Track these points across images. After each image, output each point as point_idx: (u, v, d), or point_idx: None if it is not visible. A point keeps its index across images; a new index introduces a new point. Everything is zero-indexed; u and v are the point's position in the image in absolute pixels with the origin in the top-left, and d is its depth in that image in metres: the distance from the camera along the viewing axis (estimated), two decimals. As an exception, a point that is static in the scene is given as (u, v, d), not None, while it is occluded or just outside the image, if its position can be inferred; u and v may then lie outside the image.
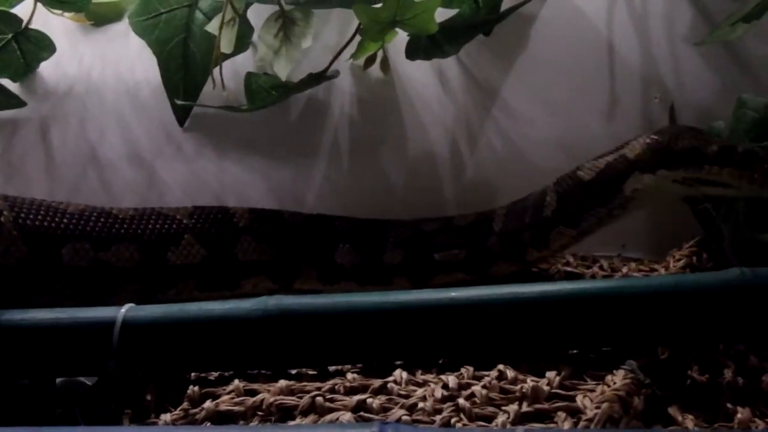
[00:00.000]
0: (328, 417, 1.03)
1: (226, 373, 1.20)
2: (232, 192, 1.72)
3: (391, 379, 1.13)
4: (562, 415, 1.01)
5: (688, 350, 1.26)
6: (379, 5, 1.49)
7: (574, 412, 1.02)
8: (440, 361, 1.19)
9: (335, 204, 1.68)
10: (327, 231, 1.56)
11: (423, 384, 1.11)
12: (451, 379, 1.10)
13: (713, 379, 1.22)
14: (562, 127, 1.70)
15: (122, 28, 1.73)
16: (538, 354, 1.19)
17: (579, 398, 1.04)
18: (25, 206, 1.41)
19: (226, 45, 1.57)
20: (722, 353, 1.28)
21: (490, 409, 1.04)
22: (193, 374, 1.21)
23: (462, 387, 1.09)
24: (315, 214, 1.60)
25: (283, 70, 1.55)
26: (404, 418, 1.01)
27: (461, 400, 1.04)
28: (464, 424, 1.00)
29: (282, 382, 1.13)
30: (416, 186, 1.71)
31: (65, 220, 1.41)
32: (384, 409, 1.05)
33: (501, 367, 1.14)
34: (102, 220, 1.44)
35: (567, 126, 1.70)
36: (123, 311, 1.19)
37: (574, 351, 1.22)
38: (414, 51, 1.62)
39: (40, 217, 1.40)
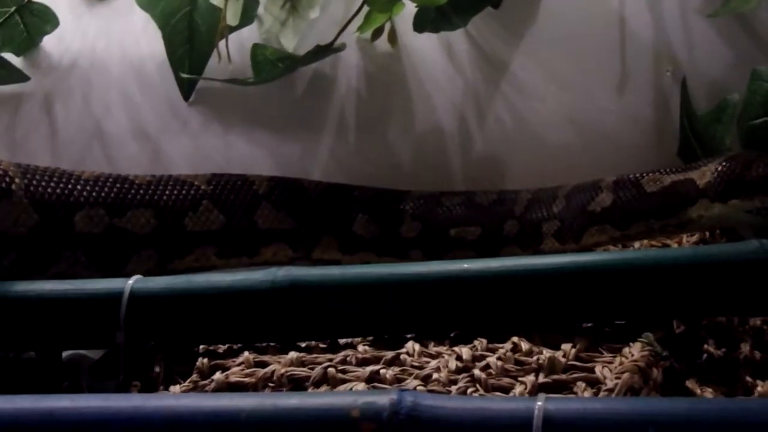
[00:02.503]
0: (342, 387, 1.02)
1: (234, 346, 1.19)
2: (238, 166, 1.68)
3: (403, 350, 1.11)
4: (581, 385, 0.99)
5: (705, 324, 1.25)
6: (387, -24, 1.47)
7: (593, 383, 1.00)
8: (452, 334, 1.17)
9: (341, 179, 1.65)
10: (346, 201, 1.54)
11: (436, 356, 1.10)
12: (465, 351, 1.09)
13: (730, 354, 1.20)
14: (572, 101, 1.67)
15: (126, 1, 1.70)
16: (552, 326, 1.17)
17: (598, 369, 1.02)
18: (38, 174, 1.38)
19: (231, 17, 1.55)
20: (739, 327, 1.27)
21: (506, 380, 1.02)
22: (201, 347, 1.20)
23: (476, 359, 1.08)
24: (335, 183, 1.58)
25: (290, 42, 1.53)
26: (419, 388, 1.00)
27: (476, 371, 1.03)
28: (481, 395, 0.99)
29: (292, 354, 1.11)
30: (423, 161, 1.69)
31: (78, 187, 1.39)
32: (398, 380, 1.04)
33: (515, 339, 1.12)
34: (117, 185, 1.42)
35: (577, 101, 1.67)
36: (131, 282, 1.17)
37: (589, 324, 1.21)
38: (422, 23, 1.59)
39: (53, 184, 1.38)
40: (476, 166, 1.69)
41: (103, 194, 1.40)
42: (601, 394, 0.96)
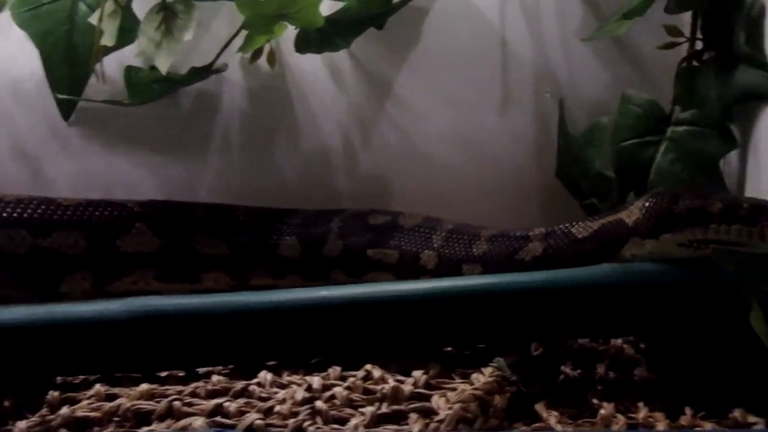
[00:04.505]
0: (181, 423, 1.02)
1: (90, 378, 1.18)
2: (122, 187, 1.67)
3: (254, 381, 1.11)
4: (414, 416, 1.00)
5: (563, 346, 1.27)
6: (265, -2, 1.47)
7: (429, 413, 1.02)
8: (312, 361, 1.18)
9: (227, 198, 1.65)
10: (275, 225, 1.54)
11: (287, 385, 1.10)
12: (316, 380, 1.09)
13: (585, 374, 1.23)
14: (455, 121, 1.70)
15: (4, 19, 1.66)
16: (411, 352, 1.19)
17: (434, 398, 1.03)
18: None
19: (108, 38, 1.53)
20: (600, 347, 1.30)
21: (348, 411, 1.03)
22: (59, 378, 1.19)
23: (326, 388, 1.08)
24: (267, 208, 1.58)
25: (164, 64, 1.52)
26: (257, 422, 1.00)
27: (319, 403, 1.03)
28: (318, 428, 0.99)
29: (143, 386, 1.11)
30: (309, 179, 1.70)
31: None
32: (241, 413, 1.04)
33: (368, 366, 1.13)
34: (42, 207, 1.44)
35: (461, 120, 1.70)
36: (-19, 314, 1.16)
37: (449, 348, 1.23)
38: (303, 44, 1.60)
39: None
40: (362, 184, 1.70)
41: (25, 215, 1.42)
42: (432, 425, 0.98)
